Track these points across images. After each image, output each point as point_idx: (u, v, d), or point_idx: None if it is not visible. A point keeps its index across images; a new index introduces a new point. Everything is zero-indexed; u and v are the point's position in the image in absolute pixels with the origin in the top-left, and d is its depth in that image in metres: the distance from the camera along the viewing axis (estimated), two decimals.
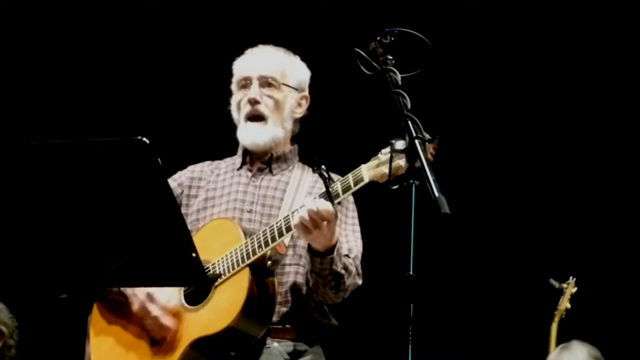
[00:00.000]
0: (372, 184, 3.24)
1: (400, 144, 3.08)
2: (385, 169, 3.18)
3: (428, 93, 3.78)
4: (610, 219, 5.84)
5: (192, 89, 5.70)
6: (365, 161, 3.29)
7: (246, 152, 3.72)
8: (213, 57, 4.09)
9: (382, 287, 4.90)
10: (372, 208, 4.02)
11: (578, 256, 5.69)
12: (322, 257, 3.34)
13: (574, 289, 5.41)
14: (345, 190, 3.27)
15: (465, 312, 5.81)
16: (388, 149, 3.17)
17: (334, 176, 3.37)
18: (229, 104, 3.75)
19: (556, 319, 5.35)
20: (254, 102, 3.62)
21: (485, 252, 5.78)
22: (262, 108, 3.62)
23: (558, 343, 5.20)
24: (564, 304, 5.38)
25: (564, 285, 5.42)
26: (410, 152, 2.79)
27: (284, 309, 3.49)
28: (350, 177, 3.27)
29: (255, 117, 3.64)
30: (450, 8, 5.63)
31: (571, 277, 5.43)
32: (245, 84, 3.66)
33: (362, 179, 3.24)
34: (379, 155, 3.24)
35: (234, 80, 3.73)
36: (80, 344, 3.59)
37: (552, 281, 5.42)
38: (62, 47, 5.76)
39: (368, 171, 3.23)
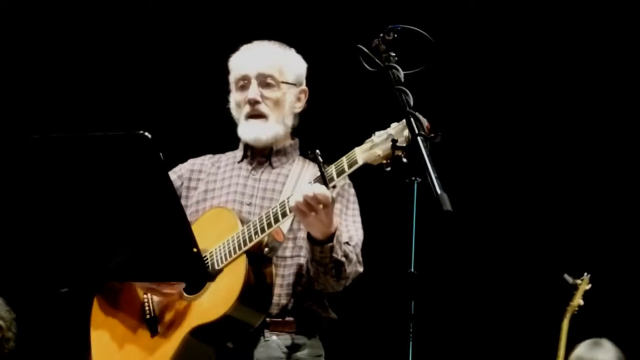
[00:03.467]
0: (366, 167, 3.30)
1: (397, 128, 3.20)
2: (379, 151, 3.24)
3: (431, 90, 3.87)
4: (628, 216, 5.89)
5: (193, 84, 5.76)
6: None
7: (247, 146, 3.81)
8: (213, 52, 4.16)
9: (384, 284, 4.99)
10: (374, 205, 4.11)
11: (592, 253, 5.75)
12: (321, 245, 3.43)
13: (588, 286, 5.44)
14: (340, 173, 3.34)
15: (468, 310, 5.88)
16: (382, 132, 3.25)
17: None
18: (228, 98, 3.83)
19: (568, 315, 5.38)
20: (254, 103, 3.72)
21: (488, 249, 5.85)
22: (262, 108, 3.72)
23: (569, 340, 5.27)
24: (577, 300, 5.41)
25: (578, 281, 5.44)
26: (412, 149, 2.91)
27: (284, 302, 3.60)
28: (344, 160, 3.34)
29: (256, 116, 3.73)
30: (451, 5, 5.70)
31: (585, 274, 5.46)
32: (244, 84, 3.75)
33: (356, 162, 3.30)
34: (373, 137, 3.29)
35: (232, 78, 3.81)
36: (81, 336, 3.70)
37: (566, 276, 5.45)
38: (64, 43, 5.83)
39: (362, 154, 3.29)
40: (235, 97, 3.80)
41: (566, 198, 5.96)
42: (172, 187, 3.09)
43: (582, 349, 5.12)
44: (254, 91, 3.73)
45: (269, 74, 3.74)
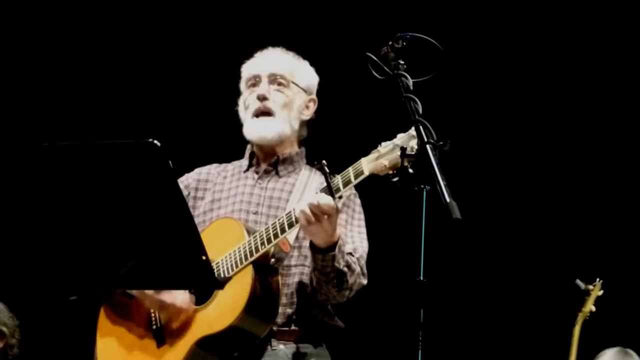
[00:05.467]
0: (373, 177, 3.33)
1: (403, 138, 3.24)
2: (385, 162, 3.27)
3: (440, 98, 3.89)
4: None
5: (201, 92, 5.82)
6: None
7: (253, 154, 3.85)
8: (222, 60, 4.21)
9: (392, 292, 5.02)
10: (383, 213, 4.14)
11: (604, 259, 5.78)
12: (323, 254, 3.46)
13: (600, 292, 5.46)
14: (346, 183, 3.37)
15: (477, 316, 5.92)
16: (388, 142, 3.28)
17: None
18: (237, 105, 3.87)
19: (579, 321, 5.40)
20: (262, 98, 3.76)
21: (498, 256, 5.88)
22: (271, 104, 3.75)
23: (580, 346, 5.31)
24: (589, 306, 5.43)
25: (590, 287, 5.47)
26: (421, 157, 2.94)
27: (289, 311, 3.63)
28: (350, 170, 3.37)
29: (263, 113, 3.76)
30: (455, 12, 5.75)
31: (597, 279, 5.48)
32: (255, 82, 3.80)
33: (362, 172, 3.33)
34: (379, 147, 3.32)
35: (243, 79, 3.86)
36: (87, 343, 3.75)
37: (578, 282, 5.47)
38: (73, 51, 5.89)
39: (368, 164, 3.32)
40: (244, 97, 3.84)
41: (577, 204, 5.99)
42: (181, 194, 3.13)
43: (610, 356, 5.14)
44: (263, 87, 3.78)
45: (280, 73, 3.79)
